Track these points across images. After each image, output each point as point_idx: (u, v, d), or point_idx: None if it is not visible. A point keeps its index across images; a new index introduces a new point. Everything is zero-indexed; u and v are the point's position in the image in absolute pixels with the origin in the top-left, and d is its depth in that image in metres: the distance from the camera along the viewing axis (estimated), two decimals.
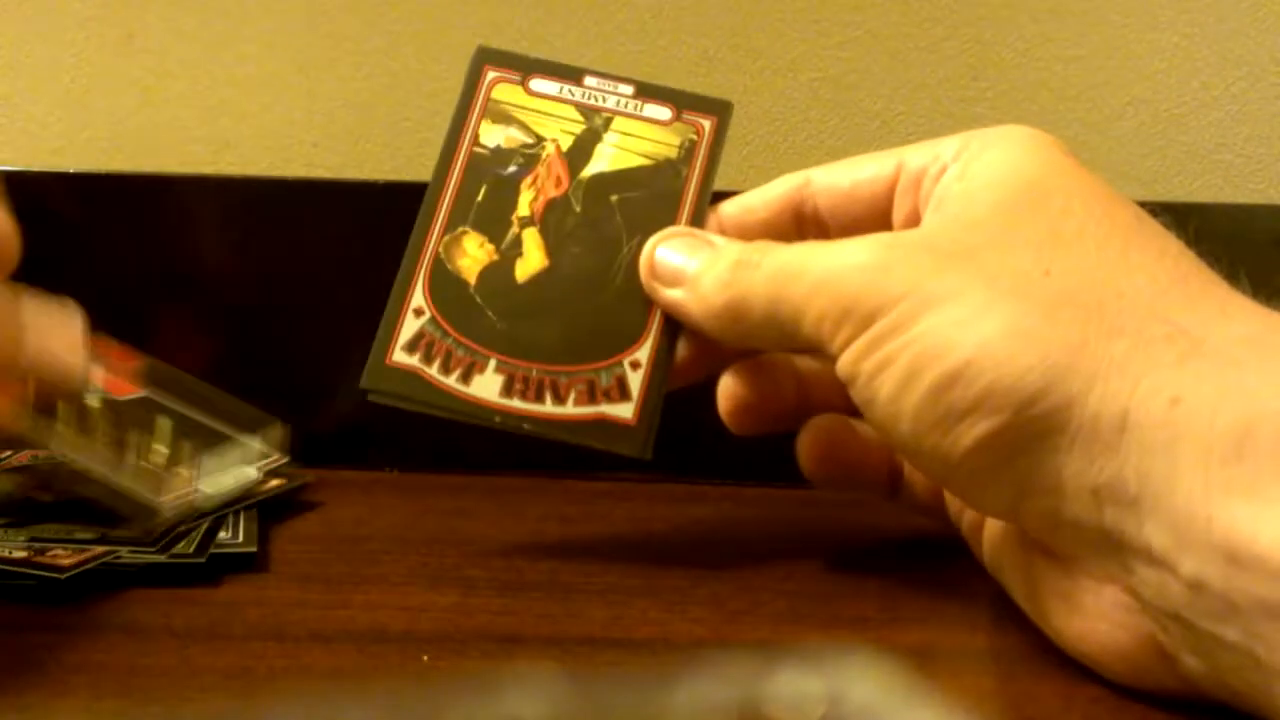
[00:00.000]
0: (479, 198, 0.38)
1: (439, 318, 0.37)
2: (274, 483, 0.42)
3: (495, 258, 0.37)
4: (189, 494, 0.38)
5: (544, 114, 0.39)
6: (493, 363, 0.36)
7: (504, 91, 0.39)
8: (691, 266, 0.35)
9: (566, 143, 0.38)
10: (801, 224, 0.36)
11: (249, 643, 0.31)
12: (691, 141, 0.38)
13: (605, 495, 0.44)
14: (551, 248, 0.37)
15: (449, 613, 0.34)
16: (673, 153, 0.38)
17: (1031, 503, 0.29)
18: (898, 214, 0.34)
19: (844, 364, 0.31)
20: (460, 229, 0.37)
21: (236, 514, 0.39)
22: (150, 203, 0.49)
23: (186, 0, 0.52)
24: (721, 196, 0.38)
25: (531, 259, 0.37)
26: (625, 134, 0.38)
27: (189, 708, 0.28)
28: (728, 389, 0.37)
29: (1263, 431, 0.25)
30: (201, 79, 0.52)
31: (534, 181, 0.38)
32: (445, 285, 0.37)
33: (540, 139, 0.38)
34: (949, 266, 0.30)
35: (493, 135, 0.38)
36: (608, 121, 0.38)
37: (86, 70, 0.53)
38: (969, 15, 0.51)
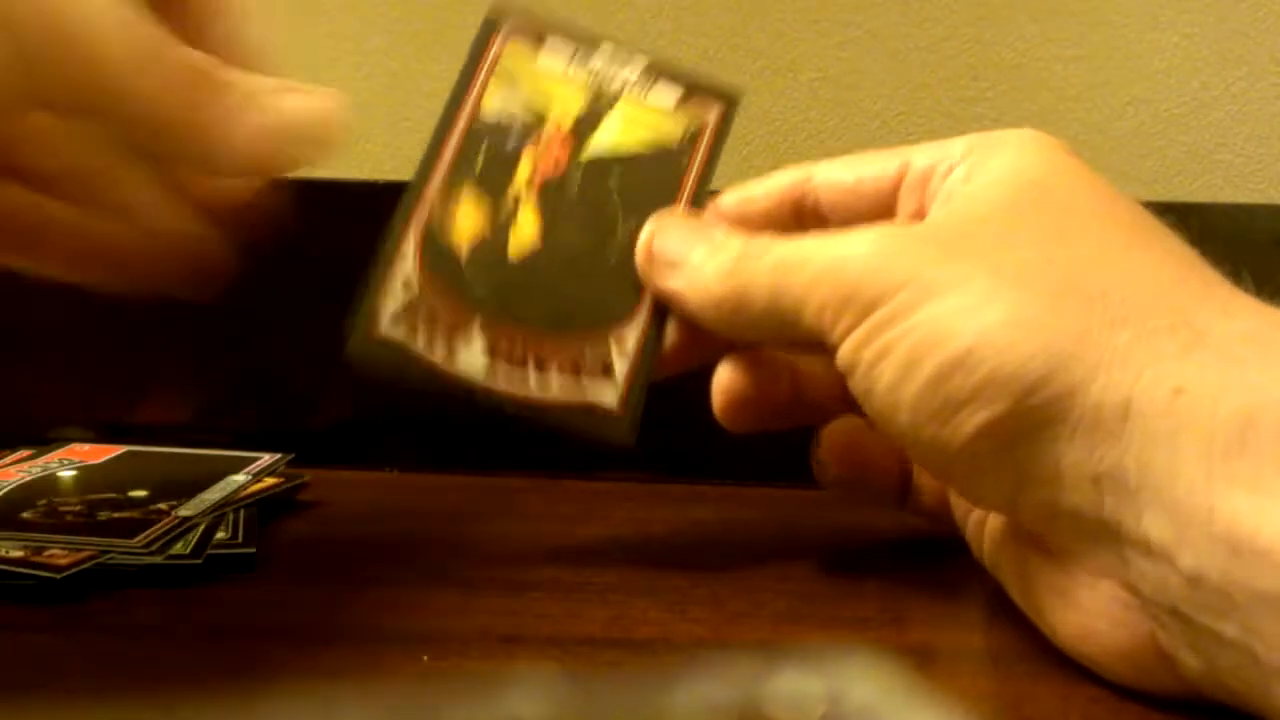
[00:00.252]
0: (477, 167, 0.37)
1: (429, 290, 0.36)
2: (270, 482, 0.42)
3: (488, 230, 0.37)
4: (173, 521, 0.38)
5: (550, 87, 0.38)
6: (478, 329, 0.36)
7: (513, 57, 0.38)
8: (692, 255, 0.35)
9: (570, 119, 0.38)
10: (801, 218, 0.36)
11: (249, 643, 0.31)
12: (696, 129, 0.38)
13: (605, 495, 0.44)
14: (546, 224, 0.37)
15: (449, 613, 0.34)
16: (676, 139, 0.38)
17: (1030, 493, 0.29)
18: (902, 212, 0.34)
19: (844, 353, 0.31)
20: (456, 197, 0.37)
21: (235, 514, 0.39)
22: None
23: None
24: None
25: (525, 233, 0.37)
26: (630, 117, 0.38)
27: (189, 708, 0.28)
28: (723, 383, 0.37)
29: (1265, 423, 0.25)
30: None
31: (534, 155, 0.37)
32: (436, 257, 0.36)
33: (544, 113, 0.38)
34: (952, 257, 0.30)
35: (496, 103, 0.38)
36: (613, 101, 0.38)
37: None
38: (969, 15, 0.51)
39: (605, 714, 0.29)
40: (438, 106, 0.38)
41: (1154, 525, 0.26)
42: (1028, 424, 0.28)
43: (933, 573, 0.36)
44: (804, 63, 0.52)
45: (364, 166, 0.53)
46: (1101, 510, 0.27)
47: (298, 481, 0.43)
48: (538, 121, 0.38)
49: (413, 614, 0.33)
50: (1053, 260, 0.29)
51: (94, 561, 0.34)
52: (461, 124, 0.38)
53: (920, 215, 0.34)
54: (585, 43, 0.39)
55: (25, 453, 0.46)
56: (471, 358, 0.36)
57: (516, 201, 0.37)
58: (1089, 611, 0.29)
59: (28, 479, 0.42)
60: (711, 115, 0.38)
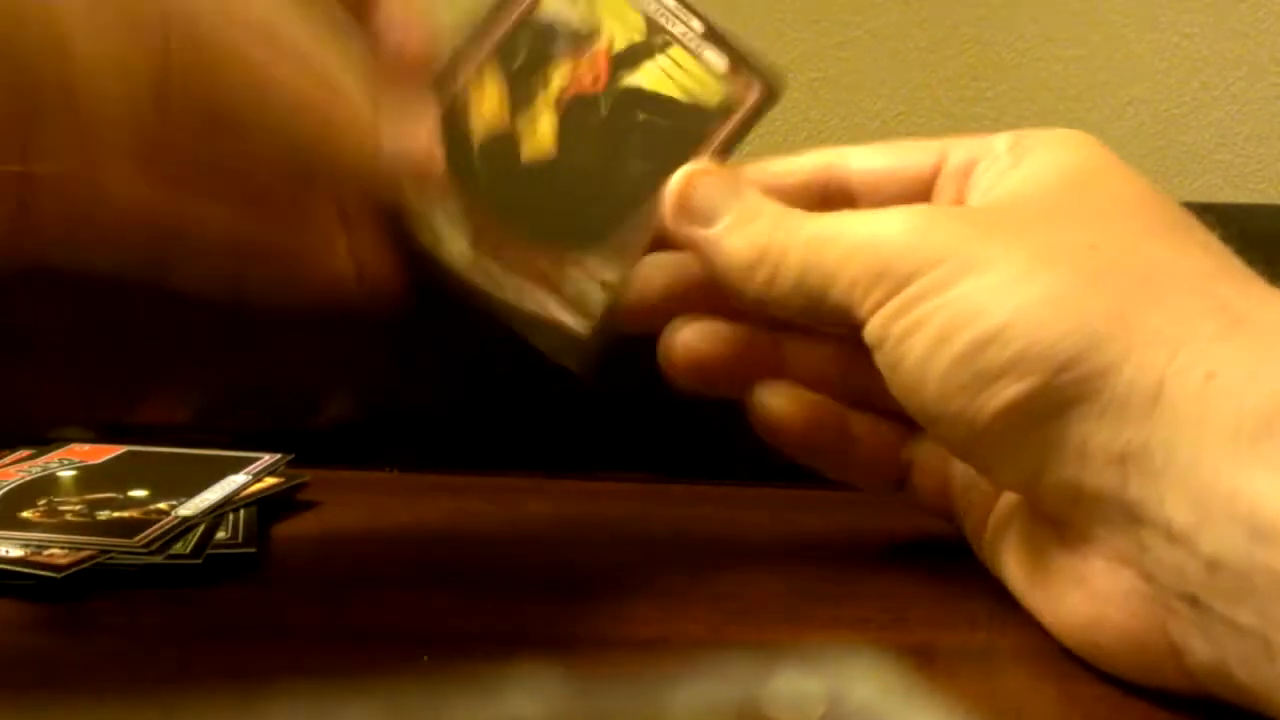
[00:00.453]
0: (516, 60, 0.37)
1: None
2: (270, 482, 0.42)
3: (507, 125, 0.36)
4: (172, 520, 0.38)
5: (612, 9, 0.37)
6: (470, 220, 0.35)
7: None
8: (726, 213, 0.34)
9: (620, 45, 0.37)
10: (828, 201, 0.35)
11: (249, 643, 0.31)
12: (732, 104, 0.38)
13: (605, 495, 0.44)
14: (564, 137, 0.36)
15: (449, 613, 0.33)
16: (713, 102, 0.38)
17: (1053, 472, 0.28)
18: (939, 200, 0.34)
19: (873, 326, 0.31)
20: (486, 81, 0.36)
21: (235, 513, 0.39)
22: None
23: None
24: None
25: (541, 140, 0.36)
26: (677, 64, 0.38)
27: (189, 708, 0.28)
28: (708, 333, 0.36)
29: None
30: None
31: (573, 68, 0.37)
32: (450, 136, 0.35)
33: (597, 30, 0.37)
34: (992, 235, 0.30)
35: (555, 4, 0.37)
36: (666, 45, 0.38)
37: None
38: (969, 15, 0.51)
39: (605, 714, 0.29)
40: None
41: (1177, 508, 0.26)
42: (1058, 401, 0.28)
43: (933, 573, 0.36)
44: (804, 63, 0.52)
45: None
46: (1125, 492, 0.27)
47: (298, 481, 0.43)
48: (589, 37, 0.37)
49: (413, 614, 0.33)
50: (1095, 244, 0.29)
51: (94, 561, 0.34)
52: (516, 13, 0.37)
53: (959, 204, 0.33)
54: None
55: (25, 453, 0.46)
56: (456, 245, 0.35)
57: (543, 105, 0.37)
58: (1102, 598, 0.29)
59: (28, 479, 0.42)
60: (751, 96, 0.38)
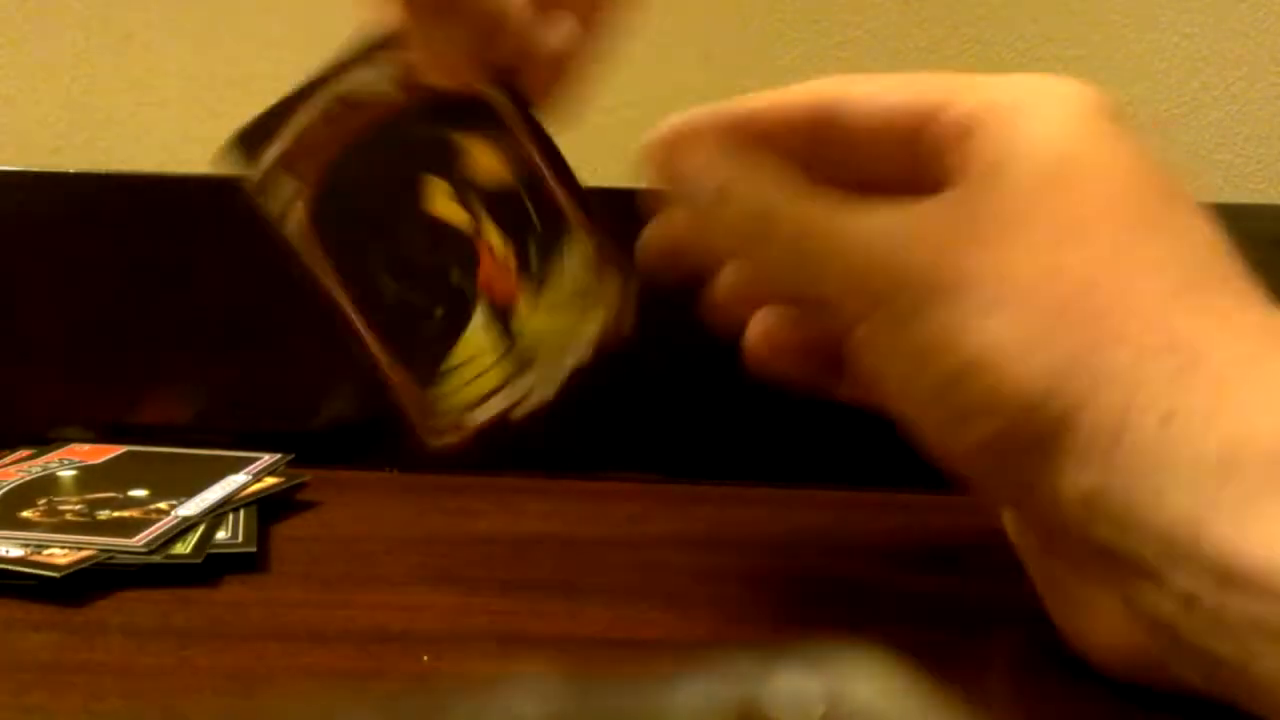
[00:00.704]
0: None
1: None
2: (270, 482, 0.42)
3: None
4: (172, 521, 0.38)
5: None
6: None
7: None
8: (727, 168, 0.33)
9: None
10: (819, 145, 0.33)
11: (249, 643, 0.31)
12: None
13: (605, 495, 0.44)
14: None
15: (449, 613, 0.34)
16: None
17: (1033, 504, 0.29)
18: (931, 163, 0.32)
19: (856, 337, 0.31)
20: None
21: (235, 513, 0.39)
22: (150, 203, 0.49)
23: (186, 0, 0.52)
24: None
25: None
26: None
27: (189, 708, 0.28)
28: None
29: (1252, 450, 0.25)
30: (201, 79, 0.52)
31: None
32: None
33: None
34: (962, 252, 0.29)
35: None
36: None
37: (86, 70, 0.53)
38: (969, 15, 0.51)
39: (605, 714, 0.29)
40: None
41: (1146, 549, 0.26)
42: (1026, 440, 0.28)
43: (933, 573, 0.36)
44: (804, 63, 0.52)
45: None
46: (1094, 530, 0.27)
47: (298, 481, 0.43)
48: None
49: (413, 614, 0.33)
50: (1060, 267, 0.28)
51: (94, 561, 0.34)
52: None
53: (940, 169, 0.31)
54: None
55: (25, 453, 0.46)
56: None
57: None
58: (1094, 616, 0.29)
59: (28, 479, 0.42)
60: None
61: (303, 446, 0.46)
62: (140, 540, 0.36)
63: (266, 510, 0.40)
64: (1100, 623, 0.29)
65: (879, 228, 0.30)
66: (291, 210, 0.34)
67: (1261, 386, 0.26)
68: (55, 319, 0.50)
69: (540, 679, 0.30)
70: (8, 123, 0.53)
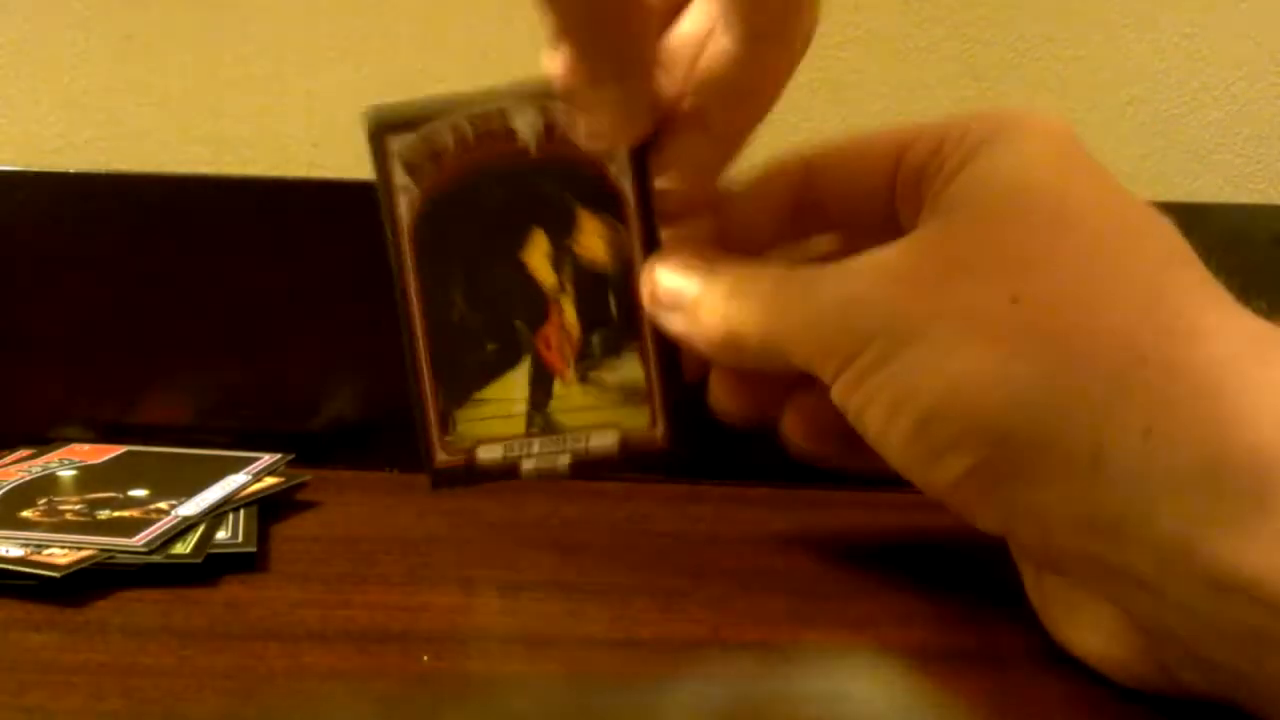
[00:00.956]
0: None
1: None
2: (270, 482, 0.42)
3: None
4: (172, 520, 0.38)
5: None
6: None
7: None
8: (689, 291, 0.34)
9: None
10: (801, 218, 0.35)
11: (249, 643, 0.31)
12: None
13: (605, 495, 0.44)
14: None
15: (449, 613, 0.34)
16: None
17: (1021, 531, 0.29)
18: (902, 205, 0.33)
19: (835, 396, 0.31)
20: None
21: (235, 513, 0.39)
22: (150, 203, 0.49)
23: (186, 0, 0.52)
24: None
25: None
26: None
27: (189, 708, 0.28)
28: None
29: (1234, 462, 0.25)
30: (201, 79, 0.52)
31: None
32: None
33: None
34: (918, 297, 0.29)
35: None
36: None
37: (86, 70, 0.53)
38: (969, 15, 0.51)
39: (605, 714, 0.29)
40: None
41: (1139, 562, 0.26)
42: (1005, 471, 0.28)
43: (934, 573, 0.36)
44: (804, 63, 0.52)
45: (364, 167, 0.52)
46: (1088, 548, 0.27)
47: (298, 481, 0.43)
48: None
49: (413, 614, 0.33)
50: (1019, 295, 0.28)
51: (94, 561, 0.34)
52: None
53: (917, 208, 0.32)
54: None
55: (25, 453, 0.46)
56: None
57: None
58: (1091, 627, 0.29)
59: (28, 479, 0.42)
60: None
61: (303, 446, 0.46)
62: (140, 540, 0.36)
63: (266, 510, 0.40)
64: (1100, 632, 0.29)
65: (834, 296, 0.31)
66: (399, 202, 0.36)
67: (1239, 397, 0.26)
68: (55, 319, 0.50)
69: (540, 679, 0.30)
70: (8, 123, 0.53)
